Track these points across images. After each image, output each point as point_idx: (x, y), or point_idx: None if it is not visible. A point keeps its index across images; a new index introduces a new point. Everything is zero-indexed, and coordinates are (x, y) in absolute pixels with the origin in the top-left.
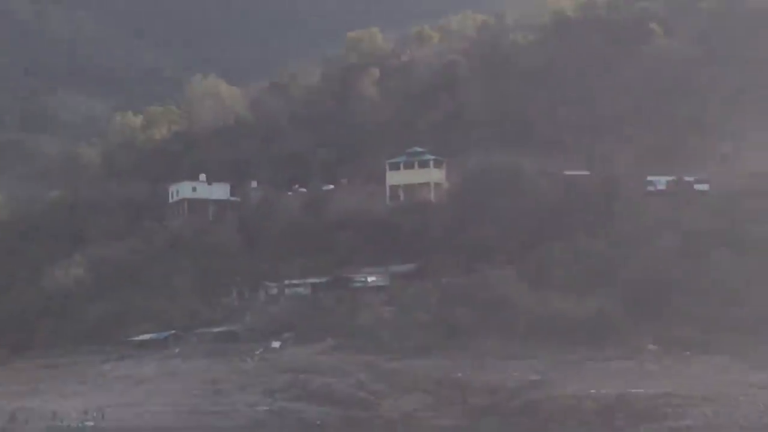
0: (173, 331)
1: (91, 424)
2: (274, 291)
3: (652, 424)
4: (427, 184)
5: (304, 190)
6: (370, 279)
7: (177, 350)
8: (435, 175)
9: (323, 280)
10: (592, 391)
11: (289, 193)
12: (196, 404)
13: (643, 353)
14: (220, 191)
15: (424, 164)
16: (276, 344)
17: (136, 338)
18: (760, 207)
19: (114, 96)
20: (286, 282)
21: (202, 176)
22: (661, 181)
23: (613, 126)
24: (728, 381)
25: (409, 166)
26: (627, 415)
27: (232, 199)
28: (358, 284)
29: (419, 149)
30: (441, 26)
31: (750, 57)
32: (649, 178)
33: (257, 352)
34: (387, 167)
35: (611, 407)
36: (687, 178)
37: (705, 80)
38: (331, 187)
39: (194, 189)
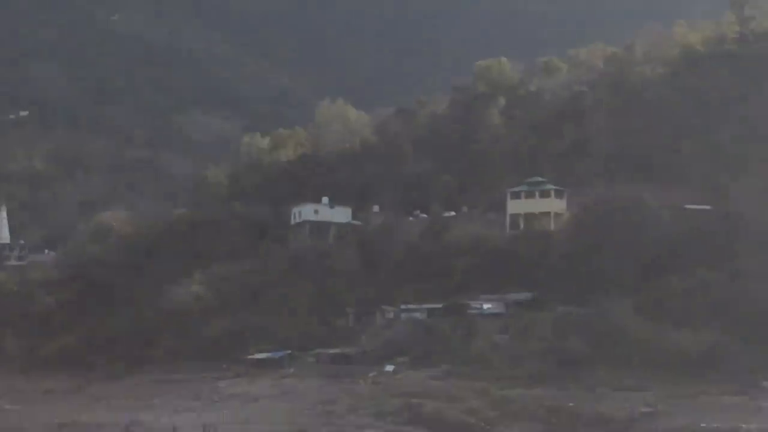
0: (289, 351)
1: None
2: (391, 315)
3: None
4: (548, 213)
5: (424, 215)
6: (486, 306)
7: (292, 370)
8: (556, 205)
9: (440, 305)
10: (703, 425)
11: (410, 219)
12: (307, 424)
13: (757, 389)
14: (341, 214)
15: (545, 194)
16: (390, 368)
17: (253, 357)
18: None
19: (242, 117)
20: (403, 306)
21: (325, 199)
22: None
23: (737, 161)
24: None
25: (530, 195)
26: None
27: (354, 222)
28: (474, 311)
29: (540, 179)
30: (569, 57)
31: None
32: None
33: (371, 375)
34: (508, 196)
35: None
36: None
37: None
38: (452, 213)
39: (316, 211)
